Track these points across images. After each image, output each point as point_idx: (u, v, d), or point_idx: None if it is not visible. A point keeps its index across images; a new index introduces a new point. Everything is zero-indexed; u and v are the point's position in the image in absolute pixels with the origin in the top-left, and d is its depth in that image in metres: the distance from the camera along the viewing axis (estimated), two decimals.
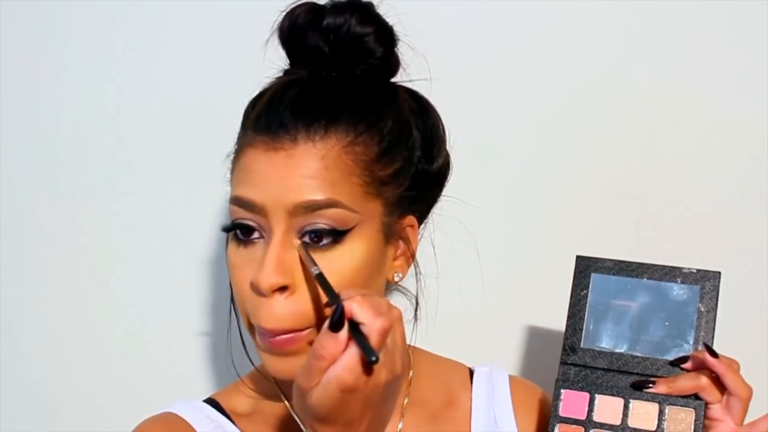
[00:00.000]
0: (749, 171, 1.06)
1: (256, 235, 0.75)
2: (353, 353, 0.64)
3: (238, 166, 0.77)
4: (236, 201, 0.75)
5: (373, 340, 0.64)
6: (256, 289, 0.73)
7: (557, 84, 1.07)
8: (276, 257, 0.73)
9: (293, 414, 0.82)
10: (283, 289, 0.73)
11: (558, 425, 0.79)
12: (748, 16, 1.04)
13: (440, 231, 0.90)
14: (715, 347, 0.78)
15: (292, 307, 0.74)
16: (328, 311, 0.73)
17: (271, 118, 0.75)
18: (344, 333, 0.64)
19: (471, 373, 0.91)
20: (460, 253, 1.01)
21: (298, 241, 0.74)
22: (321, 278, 0.71)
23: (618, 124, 1.07)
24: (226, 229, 0.77)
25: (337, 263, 0.74)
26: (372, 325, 0.64)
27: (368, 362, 0.63)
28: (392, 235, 0.79)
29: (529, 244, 1.07)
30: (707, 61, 1.06)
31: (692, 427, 0.76)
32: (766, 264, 1.05)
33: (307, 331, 0.75)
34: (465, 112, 1.02)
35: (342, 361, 0.64)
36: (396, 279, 0.81)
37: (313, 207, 0.73)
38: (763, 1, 1.04)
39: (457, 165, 0.87)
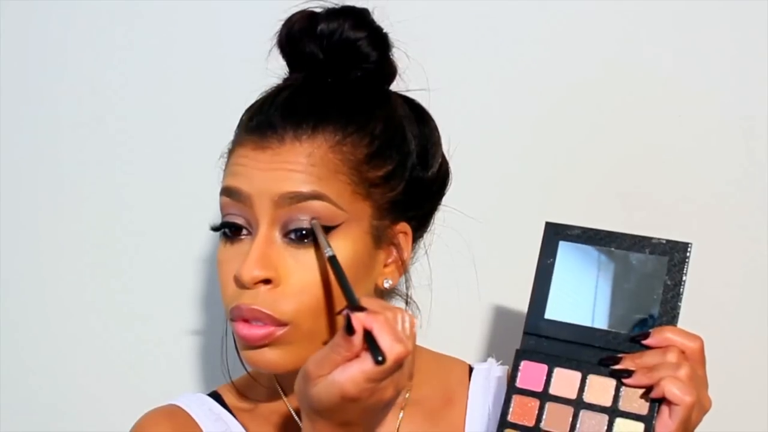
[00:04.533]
0: (749, 171, 1.05)
1: (244, 232, 0.78)
2: (361, 366, 0.65)
3: (228, 162, 0.80)
4: (225, 191, 0.79)
5: (388, 365, 0.65)
6: (239, 281, 0.75)
7: (557, 92, 1.07)
8: (260, 251, 0.75)
9: (292, 411, 0.85)
10: (266, 282, 0.75)
11: (514, 396, 0.76)
12: (748, 16, 1.03)
13: (437, 240, 0.91)
14: (681, 322, 0.73)
15: (275, 296, 0.75)
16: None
17: (261, 119, 0.78)
18: (358, 339, 0.65)
19: (471, 370, 0.91)
20: (458, 261, 1.01)
21: (315, 221, 0.75)
22: (341, 279, 0.72)
23: (619, 133, 1.06)
24: (215, 228, 0.80)
25: (321, 261, 0.76)
26: (390, 353, 0.65)
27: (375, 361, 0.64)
28: (383, 239, 0.80)
29: (528, 251, 1.05)
30: (707, 61, 1.05)
31: (648, 405, 0.72)
32: (766, 263, 1.04)
33: (284, 330, 0.76)
34: (463, 123, 1.03)
35: (348, 370, 0.65)
36: (386, 285, 0.81)
37: (299, 197, 0.75)
38: (763, 1, 1.03)
39: (455, 175, 0.89)
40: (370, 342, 0.65)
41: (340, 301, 0.76)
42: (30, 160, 1.19)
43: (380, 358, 0.64)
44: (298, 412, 0.84)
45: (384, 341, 0.65)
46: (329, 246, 0.74)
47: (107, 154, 1.17)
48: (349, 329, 0.65)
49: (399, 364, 0.66)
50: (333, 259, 0.73)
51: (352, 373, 0.65)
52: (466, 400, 0.88)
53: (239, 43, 1.08)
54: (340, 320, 0.77)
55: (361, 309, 0.67)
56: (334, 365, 0.66)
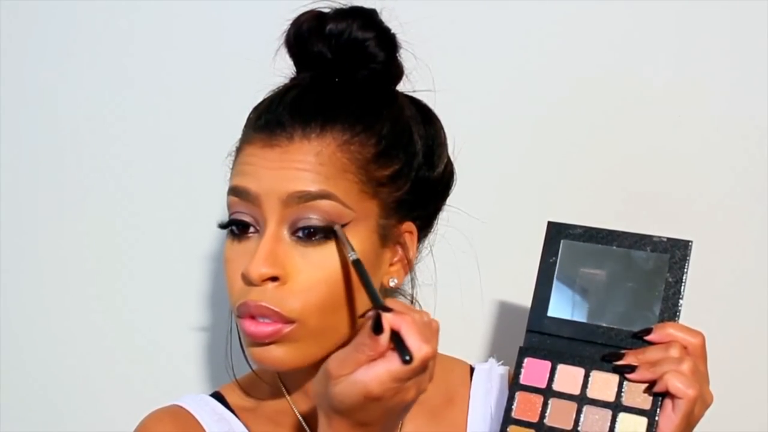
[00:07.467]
0: (749, 171, 1.04)
1: (251, 230, 0.78)
2: (387, 366, 0.65)
3: (236, 161, 0.81)
4: (233, 191, 0.79)
5: (415, 365, 0.65)
6: (246, 278, 0.76)
7: (561, 93, 1.07)
8: (268, 249, 0.75)
9: (295, 410, 0.85)
10: (273, 279, 0.76)
11: (518, 393, 0.77)
12: (748, 16, 1.03)
13: (441, 239, 0.91)
14: (682, 319, 0.74)
15: (282, 294, 0.76)
16: (361, 295, 0.75)
17: (269, 117, 0.79)
18: (385, 338, 0.65)
19: (472, 370, 0.92)
20: (462, 261, 1.01)
21: (338, 226, 0.76)
22: (366, 281, 0.73)
23: (621, 134, 1.06)
24: (223, 226, 0.81)
25: (329, 259, 0.76)
26: (417, 353, 0.65)
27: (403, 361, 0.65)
28: (389, 238, 0.80)
29: (531, 251, 1.06)
30: (707, 61, 1.05)
31: (651, 399, 0.73)
32: (766, 261, 1.04)
33: (291, 327, 0.76)
34: (468, 123, 1.02)
35: (373, 369, 0.65)
36: (391, 284, 0.82)
37: (307, 197, 0.75)
38: (764, 1, 1.03)
39: (460, 175, 0.89)
40: (398, 342, 0.65)
41: (347, 299, 0.77)
42: (33, 160, 1.19)
43: (408, 358, 0.64)
44: (300, 411, 0.85)
45: (412, 341, 0.65)
46: (353, 250, 0.74)
47: (112, 152, 1.17)
48: (377, 329, 0.65)
49: (425, 365, 0.66)
50: (357, 263, 0.73)
51: (378, 372, 0.65)
52: (467, 400, 0.89)
53: (246, 42, 1.08)
54: (346, 319, 0.78)
55: (387, 310, 0.67)
56: (358, 364, 0.66)
